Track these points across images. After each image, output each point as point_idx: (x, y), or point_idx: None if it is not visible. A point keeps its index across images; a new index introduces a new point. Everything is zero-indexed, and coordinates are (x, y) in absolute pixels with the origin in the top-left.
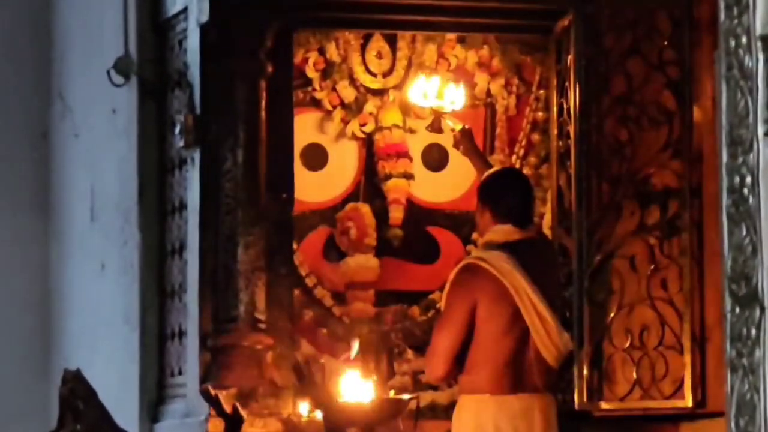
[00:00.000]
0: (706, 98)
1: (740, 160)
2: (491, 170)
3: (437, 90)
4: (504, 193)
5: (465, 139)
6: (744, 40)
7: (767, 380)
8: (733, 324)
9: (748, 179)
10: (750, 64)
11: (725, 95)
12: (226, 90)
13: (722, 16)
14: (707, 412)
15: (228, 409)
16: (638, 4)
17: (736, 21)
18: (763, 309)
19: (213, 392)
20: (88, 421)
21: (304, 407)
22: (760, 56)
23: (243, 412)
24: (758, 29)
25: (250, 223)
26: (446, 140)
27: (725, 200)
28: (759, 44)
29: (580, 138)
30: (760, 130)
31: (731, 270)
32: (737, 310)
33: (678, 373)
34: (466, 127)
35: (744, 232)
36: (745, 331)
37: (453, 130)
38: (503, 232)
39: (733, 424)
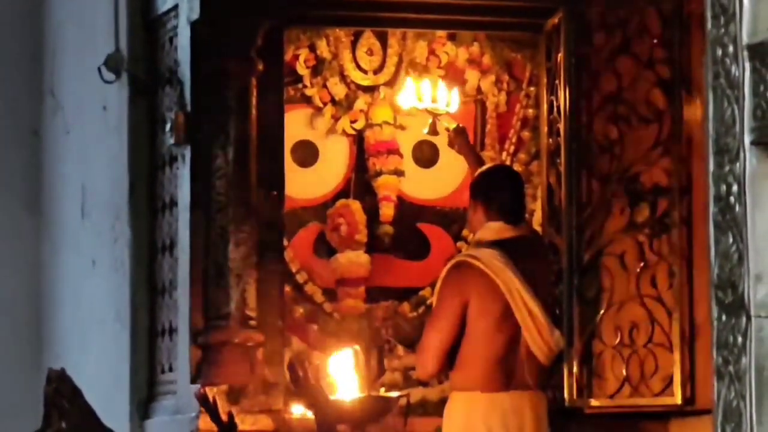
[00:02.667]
0: (696, 96)
1: (727, 168)
2: (483, 167)
3: (431, 93)
4: (496, 191)
5: (459, 138)
6: (731, 49)
7: (753, 388)
8: (719, 332)
9: (735, 188)
10: (737, 74)
11: (712, 104)
12: (216, 87)
13: (709, 25)
14: (696, 410)
15: (223, 416)
16: (628, 2)
17: (723, 30)
18: (749, 317)
19: (211, 396)
20: (74, 420)
21: (297, 408)
22: (747, 65)
23: (237, 420)
24: (745, 38)
25: (240, 220)
26: (437, 137)
27: (712, 208)
28: (746, 53)
29: (570, 135)
30: (747, 139)
31: (718, 278)
32: (724, 317)
33: (667, 370)
34: (461, 125)
35: (731, 240)
36: (731, 338)
37: (447, 129)
38: (495, 229)
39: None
